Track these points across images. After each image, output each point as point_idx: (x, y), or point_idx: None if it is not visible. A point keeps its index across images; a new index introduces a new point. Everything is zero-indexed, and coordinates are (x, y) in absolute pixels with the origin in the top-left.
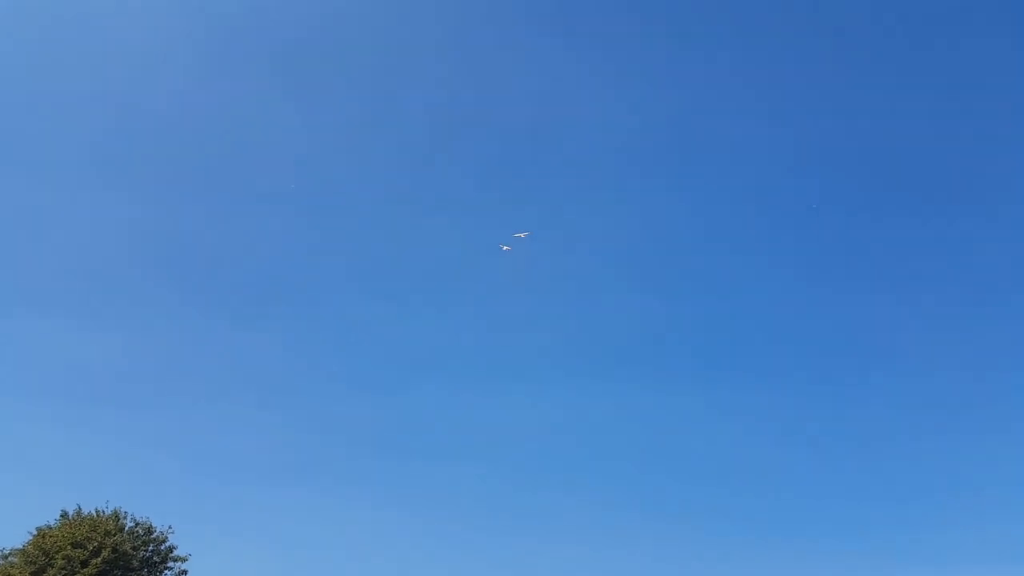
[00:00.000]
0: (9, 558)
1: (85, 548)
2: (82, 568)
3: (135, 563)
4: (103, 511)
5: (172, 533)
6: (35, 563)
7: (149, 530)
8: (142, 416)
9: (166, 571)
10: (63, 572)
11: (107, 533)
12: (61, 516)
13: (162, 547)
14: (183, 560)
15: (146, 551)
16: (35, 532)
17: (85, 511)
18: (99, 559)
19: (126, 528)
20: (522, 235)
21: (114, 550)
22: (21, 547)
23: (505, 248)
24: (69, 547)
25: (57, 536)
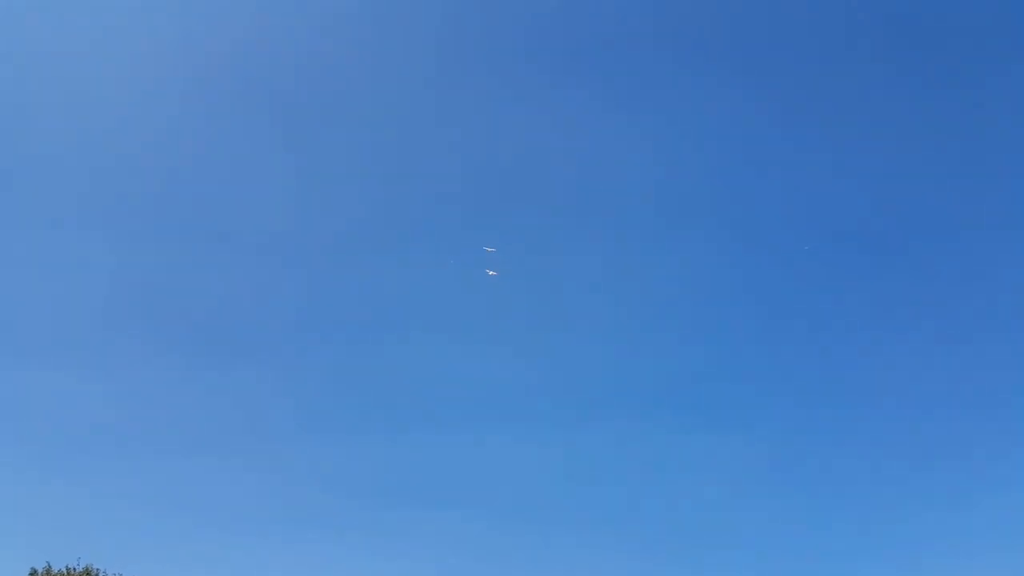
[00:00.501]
0: None
1: None
2: None
3: None
4: (74, 568)
5: None
6: None
7: None
8: (117, 466)
9: None
10: None
11: None
12: (30, 575)
13: None
14: None
15: None
16: None
17: (55, 568)
18: None
19: None
20: (490, 250)
21: None
22: None
23: (491, 273)
24: None
25: None
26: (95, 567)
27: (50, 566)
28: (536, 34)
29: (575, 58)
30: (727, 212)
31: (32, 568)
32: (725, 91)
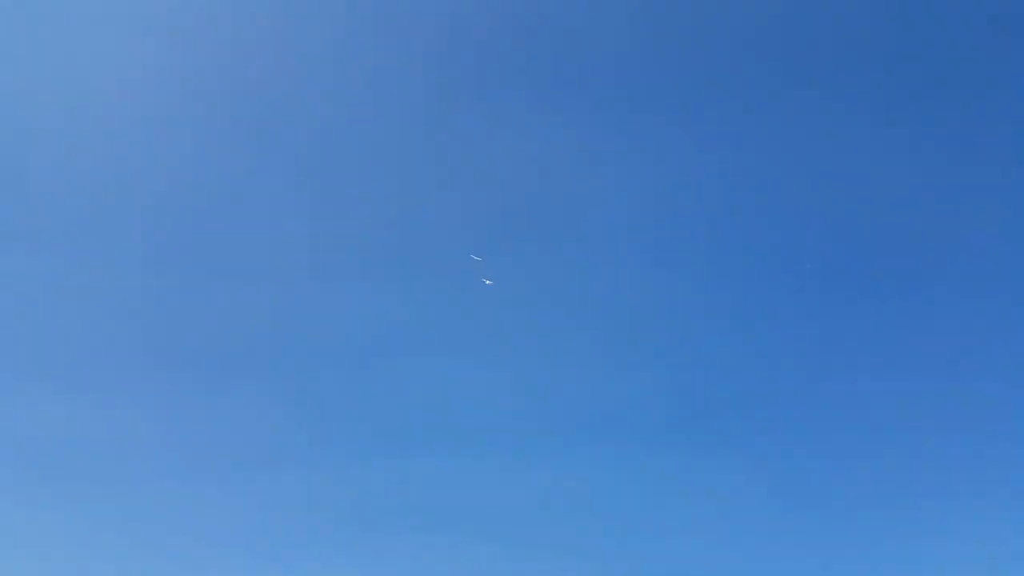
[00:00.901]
0: None
1: None
2: None
3: None
4: None
5: None
6: None
7: None
8: (113, 493)
9: None
10: None
11: None
12: None
13: None
14: None
15: None
16: None
17: None
18: None
19: None
20: (477, 258)
21: None
22: None
23: (488, 282)
24: None
25: None
26: None
27: None
28: (525, 60)
29: (565, 83)
30: (721, 233)
31: None
32: (718, 109)
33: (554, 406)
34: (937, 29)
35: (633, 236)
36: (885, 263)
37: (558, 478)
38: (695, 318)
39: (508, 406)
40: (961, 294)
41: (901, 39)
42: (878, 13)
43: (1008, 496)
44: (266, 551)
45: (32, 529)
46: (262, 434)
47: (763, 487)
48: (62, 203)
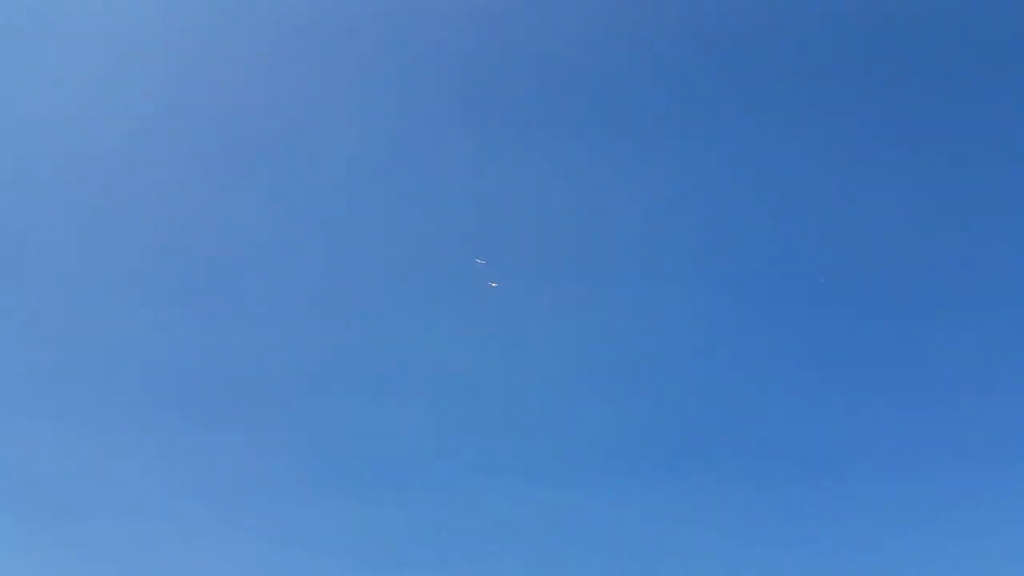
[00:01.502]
0: None
1: None
2: None
3: None
4: None
5: None
6: None
7: None
8: (88, 530)
9: None
10: None
11: None
12: None
13: None
14: None
15: None
16: None
17: None
18: None
19: None
20: (480, 262)
21: None
22: None
23: (493, 285)
24: None
25: None
26: None
27: None
28: (520, 94)
29: (561, 117)
30: (726, 255)
31: None
32: (721, 129)
33: (556, 435)
34: (947, 40)
35: (633, 257)
36: (901, 284)
37: (565, 508)
38: (698, 343)
39: (510, 435)
40: (980, 315)
41: (914, 54)
42: (888, 27)
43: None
44: None
45: (26, 568)
46: (251, 473)
47: (770, 514)
48: (58, 234)
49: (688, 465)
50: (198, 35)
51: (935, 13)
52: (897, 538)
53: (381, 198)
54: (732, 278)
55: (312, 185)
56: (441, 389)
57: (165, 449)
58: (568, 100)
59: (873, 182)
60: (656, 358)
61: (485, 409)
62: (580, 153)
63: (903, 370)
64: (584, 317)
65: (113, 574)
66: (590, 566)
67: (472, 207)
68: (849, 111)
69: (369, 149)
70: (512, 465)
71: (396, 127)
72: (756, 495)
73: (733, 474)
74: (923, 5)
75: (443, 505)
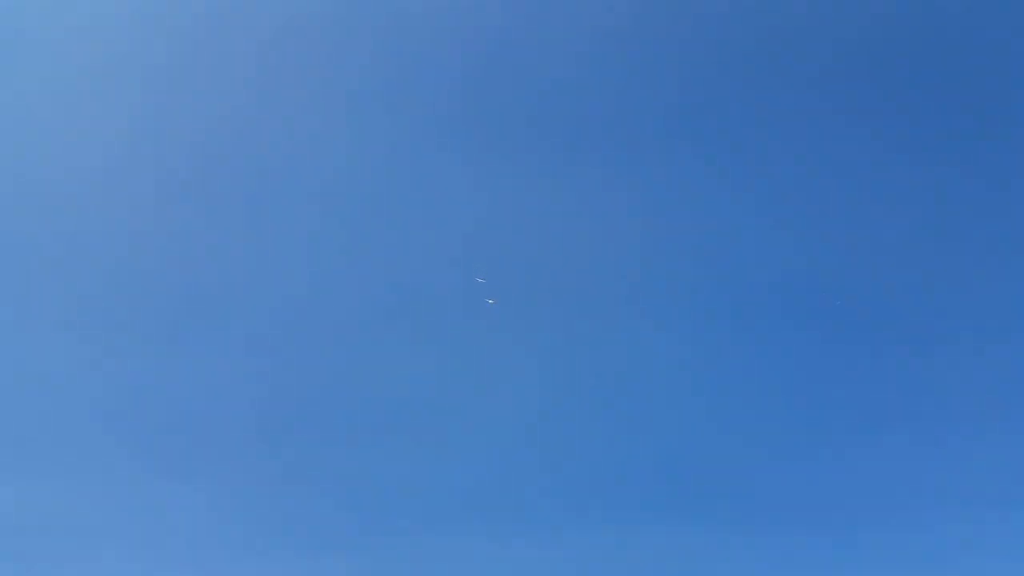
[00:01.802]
0: None
1: None
2: None
3: None
4: None
5: None
6: None
7: None
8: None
9: None
10: None
11: None
12: None
13: None
14: None
15: None
16: None
17: None
18: None
19: None
20: (481, 280)
21: None
22: None
23: (491, 302)
24: None
25: None
26: None
27: None
28: (517, 111)
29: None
30: (720, 294)
31: None
32: (720, 163)
33: (559, 479)
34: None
35: (628, 280)
36: (899, 323)
37: (549, 555)
38: (690, 384)
39: (515, 480)
40: (981, 356)
41: (935, 68)
42: (902, 35)
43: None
44: None
45: None
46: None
47: (763, 563)
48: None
49: (676, 508)
50: (181, 61)
51: (949, 26)
52: None
53: (369, 217)
54: (732, 305)
55: (291, 208)
56: (419, 429)
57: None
58: (564, 110)
59: (887, 203)
60: (650, 396)
61: (466, 446)
62: (575, 166)
63: (909, 408)
64: (574, 346)
65: None
66: None
67: (461, 227)
68: (868, 123)
69: (359, 164)
70: (491, 511)
71: (388, 142)
72: (750, 541)
73: (729, 521)
74: (935, 16)
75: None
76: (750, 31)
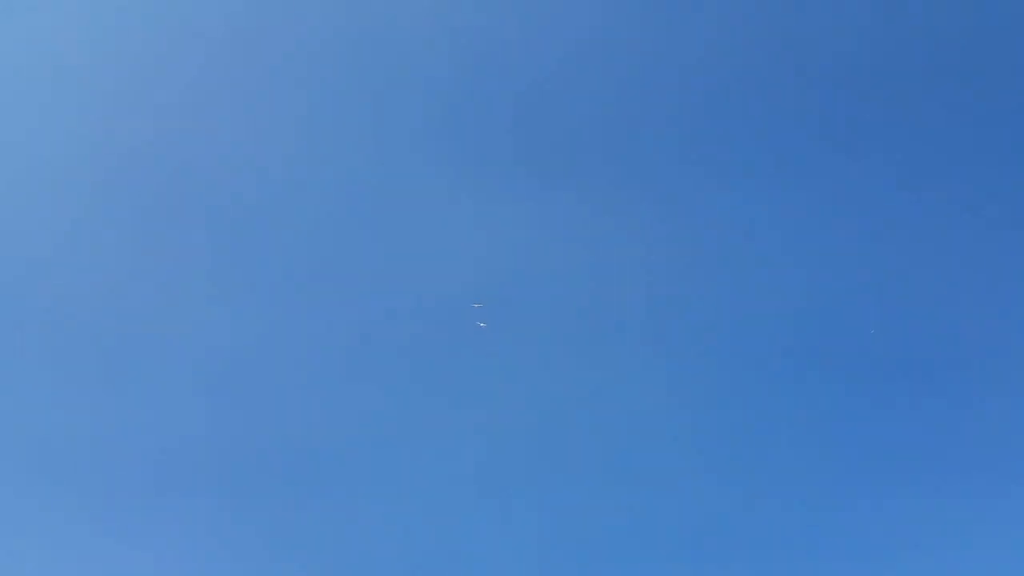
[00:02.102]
0: None
1: None
2: None
3: None
4: None
5: None
6: None
7: None
8: None
9: None
10: None
11: None
12: None
13: None
14: None
15: None
16: None
17: None
18: None
19: None
20: (477, 305)
21: None
22: None
23: (481, 325)
24: None
25: None
26: None
27: None
28: (515, 140)
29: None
30: (728, 337)
31: None
32: (723, 197)
33: (563, 531)
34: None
35: (632, 328)
36: (910, 368)
37: None
38: (693, 430)
39: (519, 537)
40: (994, 403)
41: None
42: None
43: None
44: None
45: None
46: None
47: None
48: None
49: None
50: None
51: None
52: None
53: (359, 254)
54: (742, 357)
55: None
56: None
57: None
58: (568, 145)
59: (906, 233)
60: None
61: (442, 497)
62: (577, 204)
63: (918, 461)
64: (571, 396)
65: None
66: None
67: (455, 267)
68: (887, 150)
69: (349, 198)
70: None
71: (379, 177)
72: None
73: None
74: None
75: None
76: (755, 60)
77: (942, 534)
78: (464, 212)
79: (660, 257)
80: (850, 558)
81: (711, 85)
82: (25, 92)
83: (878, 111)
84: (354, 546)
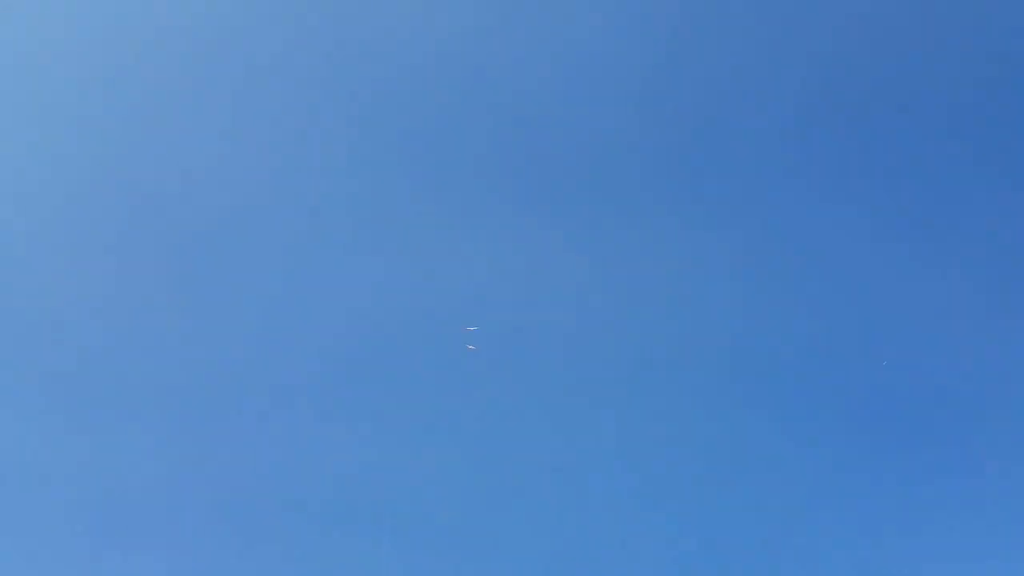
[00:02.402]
0: None
1: None
2: None
3: None
4: None
5: None
6: None
7: None
8: None
9: None
10: None
11: None
12: None
13: None
14: None
15: None
16: None
17: None
18: None
19: None
20: (471, 329)
21: None
22: None
23: (471, 348)
24: None
25: None
26: None
27: None
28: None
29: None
30: (733, 372)
31: None
32: (723, 233)
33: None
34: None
35: (625, 358)
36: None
37: None
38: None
39: None
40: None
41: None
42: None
43: None
44: None
45: None
46: None
47: None
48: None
49: None
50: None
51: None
52: None
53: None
54: (737, 383)
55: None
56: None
57: None
58: (558, 173)
59: (897, 272)
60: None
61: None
62: (569, 229)
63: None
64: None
65: None
66: None
67: (446, 296)
68: (878, 187)
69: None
70: None
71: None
72: None
73: None
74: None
75: None
76: (753, 99)
77: None
78: (446, 239)
79: (636, 282)
80: None
81: (695, 120)
82: None
83: (859, 154)
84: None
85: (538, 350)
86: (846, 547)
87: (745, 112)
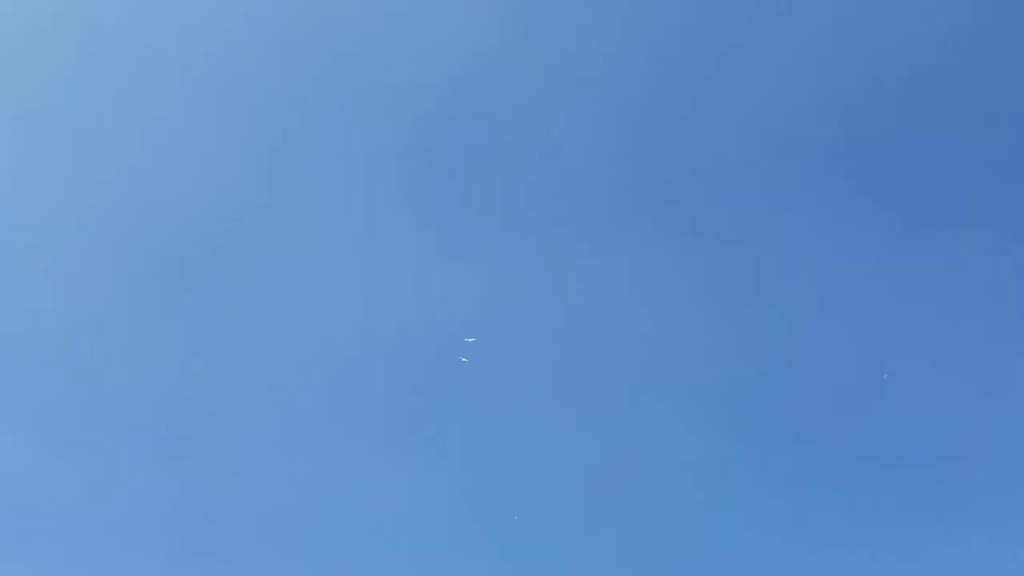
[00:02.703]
0: None
1: None
2: None
3: None
4: None
5: None
6: None
7: None
8: None
9: None
10: None
11: None
12: None
13: None
14: None
15: None
16: None
17: None
18: None
19: None
20: (469, 340)
21: None
22: None
23: (463, 360)
24: None
25: None
26: None
27: None
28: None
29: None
30: (732, 391)
31: None
32: (724, 248)
33: None
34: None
35: (620, 378)
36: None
37: None
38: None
39: None
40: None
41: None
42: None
43: None
44: None
45: None
46: None
47: None
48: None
49: None
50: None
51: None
52: None
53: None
54: (736, 407)
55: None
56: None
57: None
58: (550, 186)
59: (899, 286)
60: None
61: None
62: (560, 244)
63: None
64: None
65: None
66: None
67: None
68: (883, 199)
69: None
70: None
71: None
72: None
73: None
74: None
75: None
76: (752, 106)
77: None
78: (443, 249)
79: (636, 291)
80: None
81: (695, 128)
82: None
83: (864, 178)
84: None
85: (537, 359)
86: (847, 561)
87: (747, 119)
